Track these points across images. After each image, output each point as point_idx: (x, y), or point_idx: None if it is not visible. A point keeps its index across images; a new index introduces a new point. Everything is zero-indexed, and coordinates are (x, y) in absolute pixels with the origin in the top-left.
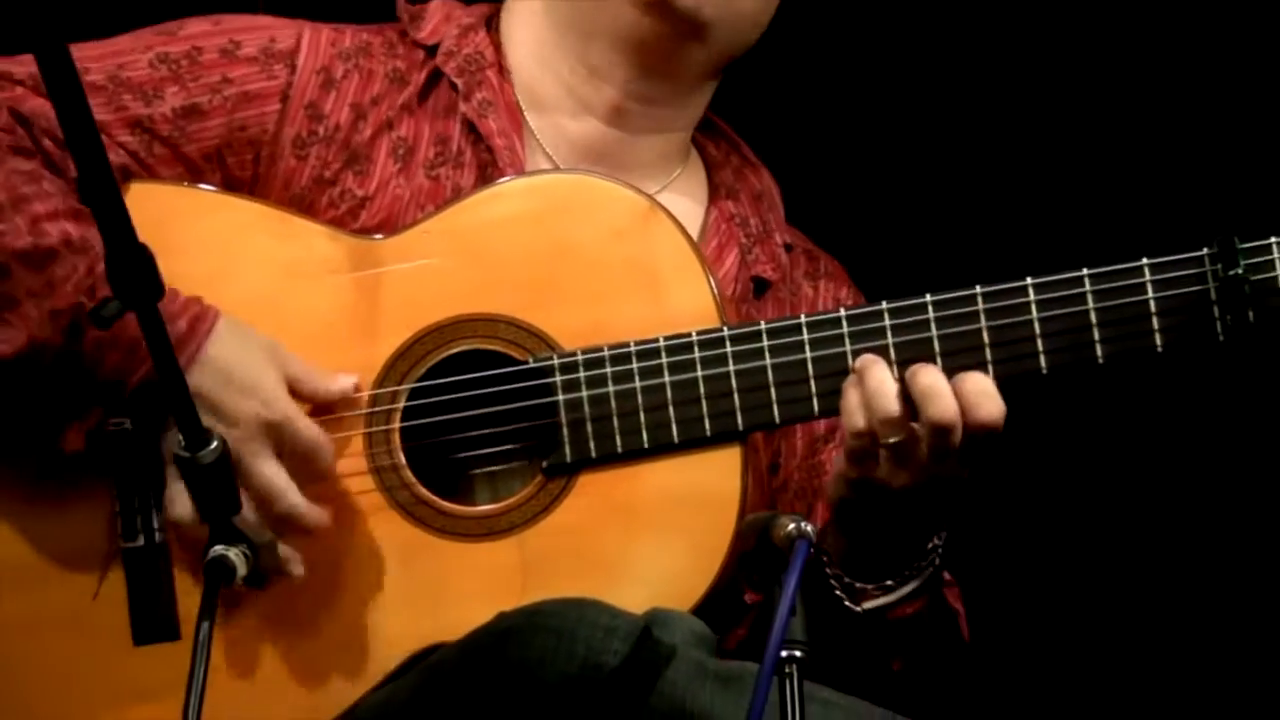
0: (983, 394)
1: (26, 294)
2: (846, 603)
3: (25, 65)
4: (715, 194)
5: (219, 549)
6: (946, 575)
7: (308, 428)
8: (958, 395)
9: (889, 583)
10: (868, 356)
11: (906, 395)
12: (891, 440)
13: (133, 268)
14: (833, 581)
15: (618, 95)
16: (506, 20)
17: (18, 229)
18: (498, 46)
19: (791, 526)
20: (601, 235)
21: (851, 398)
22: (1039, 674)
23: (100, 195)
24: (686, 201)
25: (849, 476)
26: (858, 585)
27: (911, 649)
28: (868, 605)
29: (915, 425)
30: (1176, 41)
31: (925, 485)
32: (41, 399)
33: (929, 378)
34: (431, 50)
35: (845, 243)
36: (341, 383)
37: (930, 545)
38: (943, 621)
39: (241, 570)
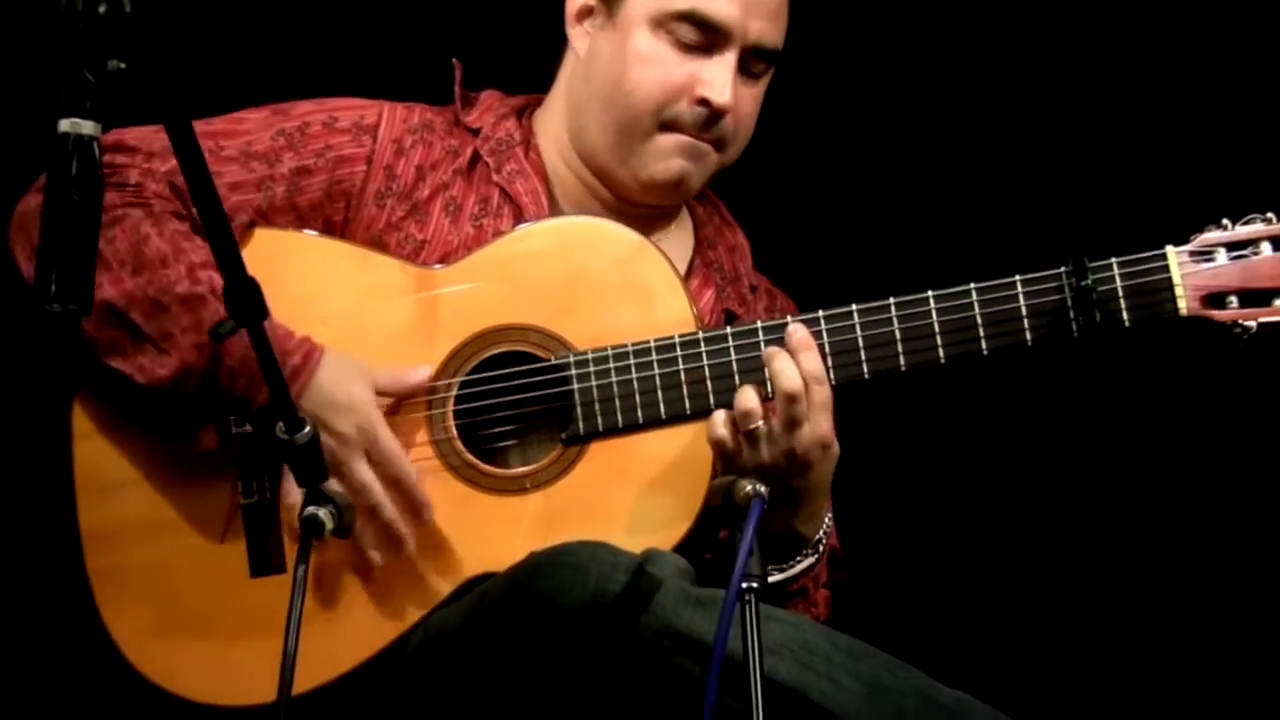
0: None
1: (181, 330)
2: None
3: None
4: (699, 245)
5: (311, 509)
6: (842, 555)
7: (390, 442)
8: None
9: (786, 564)
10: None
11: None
12: (751, 427)
13: (244, 296)
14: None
15: (619, 200)
16: (538, 117)
17: (180, 276)
18: (528, 129)
19: (750, 487)
20: (606, 263)
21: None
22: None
23: (219, 241)
24: (677, 249)
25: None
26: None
27: (820, 590)
28: (774, 579)
29: (761, 427)
30: (1044, 99)
31: (785, 466)
32: (186, 411)
33: (779, 361)
34: (476, 132)
35: (795, 281)
36: (419, 374)
37: (820, 535)
38: (835, 590)
39: (329, 525)
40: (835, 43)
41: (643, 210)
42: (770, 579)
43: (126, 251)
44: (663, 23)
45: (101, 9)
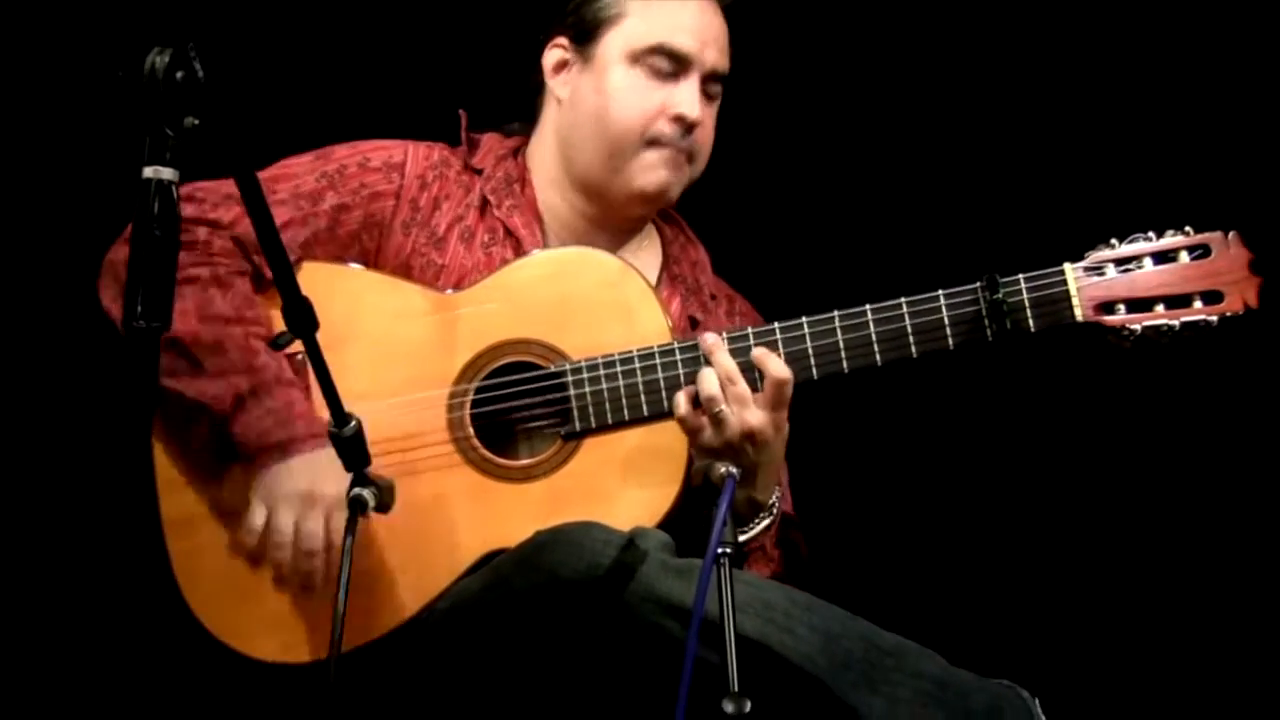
0: (774, 361)
1: (231, 369)
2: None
3: (233, 194)
4: (667, 261)
5: (357, 490)
6: (794, 518)
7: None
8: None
9: (747, 527)
10: (708, 344)
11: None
12: (715, 410)
13: (299, 313)
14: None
15: (605, 220)
16: (529, 154)
17: (240, 335)
18: (523, 167)
19: (723, 469)
20: (595, 286)
21: (680, 404)
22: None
23: (279, 269)
24: (648, 264)
25: (704, 451)
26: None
27: (774, 553)
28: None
29: (725, 410)
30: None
31: (740, 440)
32: (200, 428)
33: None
34: (479, 172)
35: (751, 285)
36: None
37: (773, 499)
38: (787, 547)
39: (372, 503)
40: (765, 87)
41: (622, 226)
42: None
43: (194, 307)
44: (638, 58)
45: (178, 75)
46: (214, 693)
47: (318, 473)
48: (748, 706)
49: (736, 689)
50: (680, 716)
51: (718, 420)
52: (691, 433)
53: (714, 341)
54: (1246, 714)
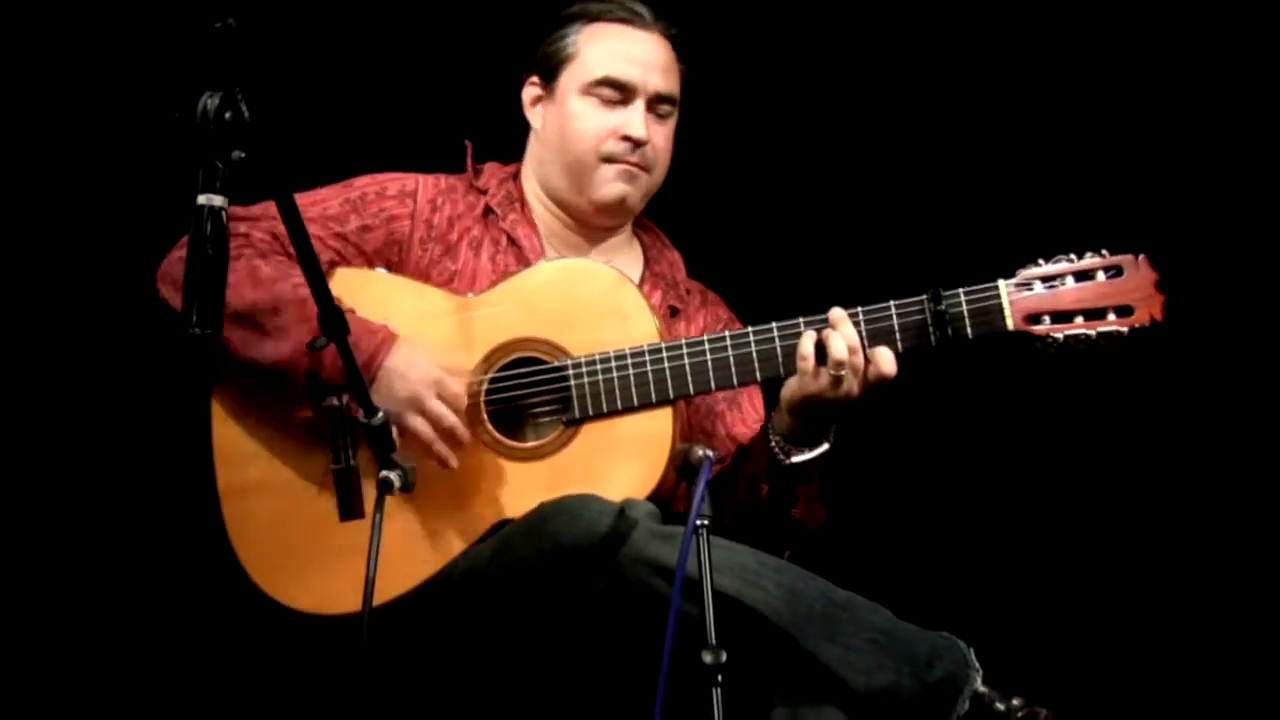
0: (890, 360)
1: (293, 324)
2: (781, 457)
3: (268, 208)
4: (648, 262)
5: (384, 472)
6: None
7: (434, 404)
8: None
9: (808, 448)
10: (837, 316)
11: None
12: (837, 373)
13: (332, 317)
14: (775, 447)
15: (585, 228)
16: (523, 176)
17: (288, 289)
18: (520, 188)
19: (701, 452)
20: (595, 293)
21: (807, 344)
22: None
23: (313, 279)
24: (632, 265)
25: (806, 391)
26: (793, 449)
27: (816, 482)
28: (796, 459)
29: (826, 370)
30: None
31: (840, 399)
32: (299, 386)
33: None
34: (484, 192)
35: (720, 283)
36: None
37: (832, 429)
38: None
39: (398, 484)
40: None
41: (599, 235)
42: (796, 458)
43: (245, 277)
44: (586, 90)
45: (227, 116)
46: (258, 638)
47: (410, 364)
48: (724, 657)
49: (714, 641)
50: (665, 663)
51: (837, 380)
52: (806, 377)
53: (841, 314)
54: (1160, 663)
